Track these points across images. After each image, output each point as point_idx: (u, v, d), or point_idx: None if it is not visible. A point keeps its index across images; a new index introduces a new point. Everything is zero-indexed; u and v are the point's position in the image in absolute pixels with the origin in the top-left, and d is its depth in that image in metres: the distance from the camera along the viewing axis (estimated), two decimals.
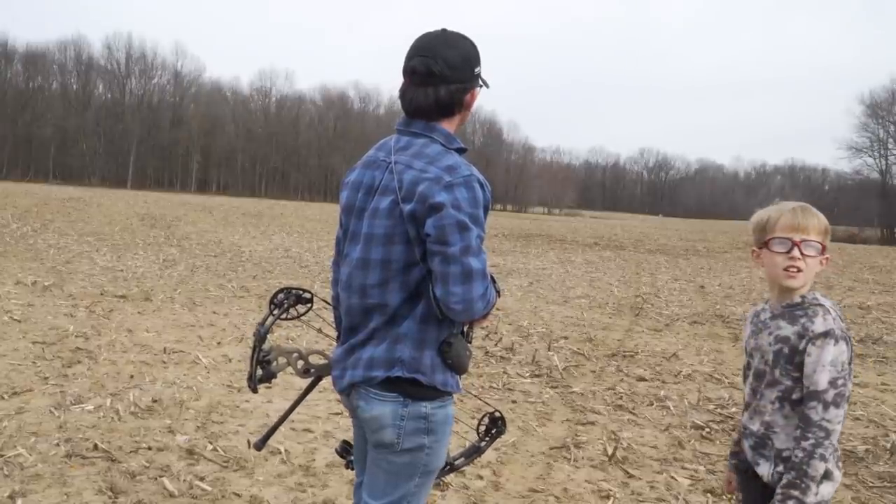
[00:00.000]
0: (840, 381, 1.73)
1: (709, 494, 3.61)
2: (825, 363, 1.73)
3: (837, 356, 1.74)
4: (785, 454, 1.81)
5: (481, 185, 1.81)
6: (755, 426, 1.91)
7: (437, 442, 1.89)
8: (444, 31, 1.93)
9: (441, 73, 1.85)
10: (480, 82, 1.97)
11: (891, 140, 62.29)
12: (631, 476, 3.80)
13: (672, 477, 3.81)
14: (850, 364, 1.77)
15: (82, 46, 78.08)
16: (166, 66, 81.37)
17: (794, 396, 1.80)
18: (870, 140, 62.39)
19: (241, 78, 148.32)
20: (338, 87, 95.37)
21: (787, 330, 1.82)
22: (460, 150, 1.90)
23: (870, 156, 62.80)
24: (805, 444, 1.73)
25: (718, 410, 5.07)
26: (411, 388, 1.84)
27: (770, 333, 1.88)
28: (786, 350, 1.81)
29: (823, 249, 1.85)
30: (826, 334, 1.75)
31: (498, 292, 1.91)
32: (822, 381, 1.73)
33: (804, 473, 1.71)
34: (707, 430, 4.61)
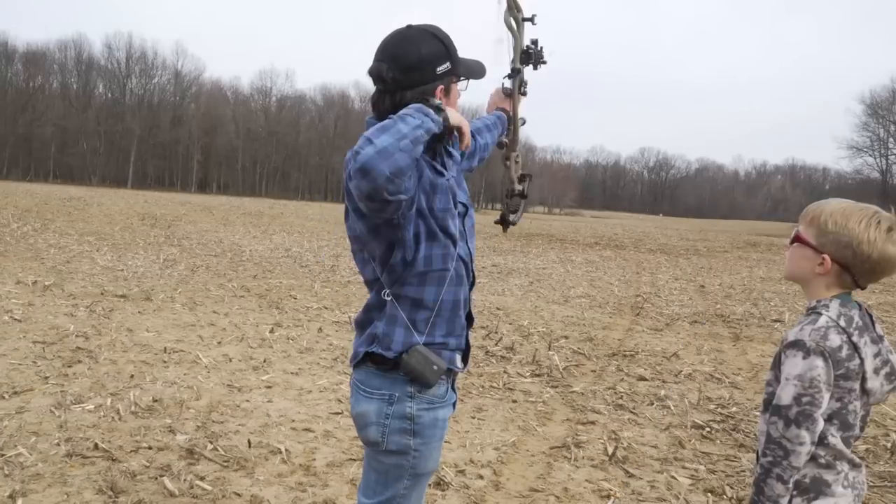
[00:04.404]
0: (806, 399, 1.58)
1: (709, 494, 3.61)
2: (790, 376, 1.60)
3: (806, 371, 1.59)
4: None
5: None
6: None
7: (424, 445, 1.86)
8: (408, 27, 1.85)
9: (394, 78, 1.79)
10: (455, 79, 1.89)
11: (891, 139, 62.31)
12: (631, 475, 3.80)
13: (672, 476, 3.81)
14: (826, 384, 1.59)
15: (82, 46, 78.27)
16: (166, 65, 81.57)
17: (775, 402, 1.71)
18: (870, 139, 62.45)
19: (242, 77, 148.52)
20: (338, 86, 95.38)
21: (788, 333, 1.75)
22: None
23: (870, 155, 62.86)
24: (763, 460, 1.63)
25: (719, 410, 5.07)
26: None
27: None
28: (778, 354, 1.72)
29: (797, 239, 1.73)
30: (793, 345, 1.62)
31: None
32: (785, 395, 1.61)
33: (760, 491, 1.62)
34: (707, 429, 4.61)
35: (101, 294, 8.36)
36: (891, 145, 62.54)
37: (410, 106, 1.70)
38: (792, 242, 1.75)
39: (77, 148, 73.27)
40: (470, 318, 1.98)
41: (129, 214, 23.82)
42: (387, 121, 1.65)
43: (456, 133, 1.85)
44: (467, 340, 1.99)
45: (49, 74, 77.25)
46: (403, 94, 1.80)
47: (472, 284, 1.98)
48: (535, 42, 2.28)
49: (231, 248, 15.15)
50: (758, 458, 1.75)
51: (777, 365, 1.71)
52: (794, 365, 1.60)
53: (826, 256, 1.67)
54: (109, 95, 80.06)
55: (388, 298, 1.82)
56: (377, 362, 1.85)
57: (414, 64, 1.79)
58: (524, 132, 2.49)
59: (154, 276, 10.21)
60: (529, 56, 2.27)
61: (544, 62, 2.30)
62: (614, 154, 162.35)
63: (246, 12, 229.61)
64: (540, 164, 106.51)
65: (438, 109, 1.72)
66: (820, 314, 1.66)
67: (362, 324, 1.92)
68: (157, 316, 7.31)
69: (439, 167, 1.85)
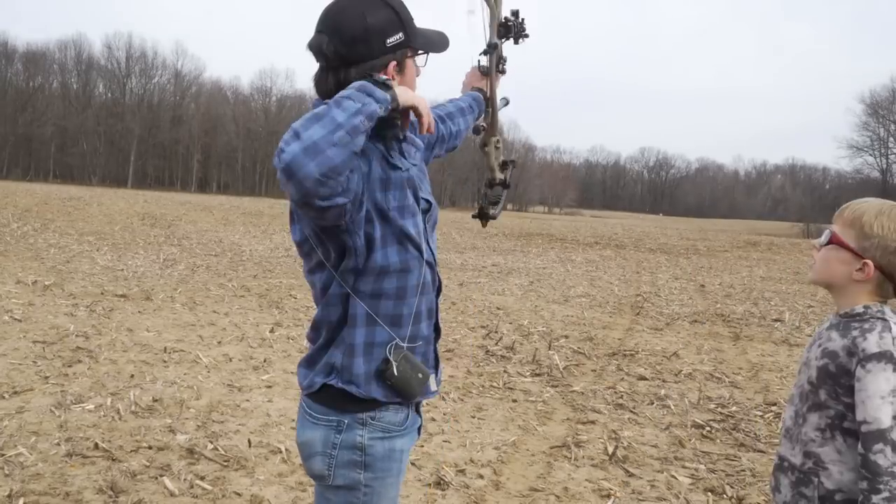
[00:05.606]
0: None
1: (709, 493, 3.61)
2: (884, 394, 1.40)
3: None
4: (838, 498, 1.49)
5: None
6: (797, 459, 1.58)
7: (377, 480, 1.60)
8: None
9: (336, 52, 1.53)
10: (410, 53, 1.62)
11: (891, 139, 62.37)
12: (631, 475, 3.80)
13: (673, 476, 3.81)
14: None
15: (82, 46, 78.21)
16: (166, 65, 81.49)
17: (846, 425, 1.50)
18: (870, 139, 62.51)
19: (242, 77, 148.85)
20: None
21: (837, 343, 1.52)
22: None
23: (870, 155, 62.91)
24: (876, 498, 1.38)
25: (719, 409, 5.07)
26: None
27: (820, 346, 1.57)
28: (832, 367, 1.51)
29: (833, 241, 1.56)
30: (880, 357, 1.42)
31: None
32: (884, 417, 1.39)
33: None
34: (707, 429, 4.61)
35: (101, 294, 8.36)
36: (891, 145, 62.64)
37: (351, 85, 1.42)
38: (827, 244, 1.58)
39: (77, 148, 73.24)
40: (437, 330, 1.73)
41: (129, 214, 23.81)
42: (320, 107, 1.38)
43: (413, 115, 1.55)
44: (436, 355, 1.72)
45: (49, 74, 77.22)
46: (348, 70, 1.54)
47: (438, 290, 1.73)
48: (515, 13, 1.98)
49: (231, 247, 15.15)
50: (794, 476, 1.58)
51: (834, 380, 1.51)
52: (887, 380, 1.42)
53: (868, 262, 1.51)
54: (109, 95, 80.00)
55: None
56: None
57: (359, 35, 1.52)
58: (523, 132, 2.30)
59: (154, 275, 10.21)
60: (508, 29, 1.97)
61: (526, 35, 2.01)
62: (614, 154, 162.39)
63: (246, 11, 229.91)
64: (540, 163, 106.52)
65: (385, 87, 1.44)
66: (886, 320, 1.50)
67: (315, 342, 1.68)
68: (157, 316, 7.31)
69: (394, 159, 1.57)
